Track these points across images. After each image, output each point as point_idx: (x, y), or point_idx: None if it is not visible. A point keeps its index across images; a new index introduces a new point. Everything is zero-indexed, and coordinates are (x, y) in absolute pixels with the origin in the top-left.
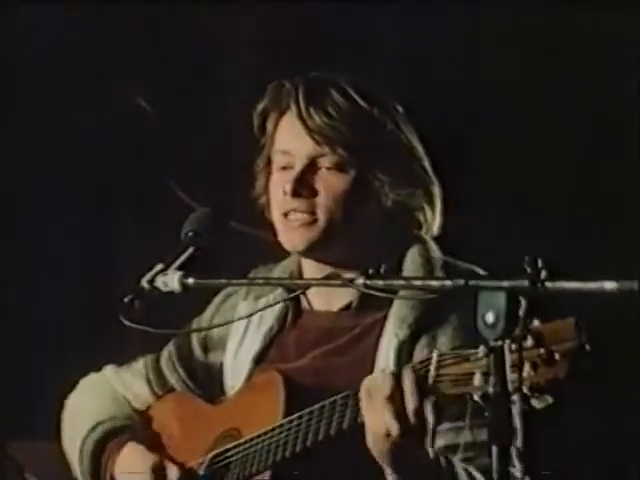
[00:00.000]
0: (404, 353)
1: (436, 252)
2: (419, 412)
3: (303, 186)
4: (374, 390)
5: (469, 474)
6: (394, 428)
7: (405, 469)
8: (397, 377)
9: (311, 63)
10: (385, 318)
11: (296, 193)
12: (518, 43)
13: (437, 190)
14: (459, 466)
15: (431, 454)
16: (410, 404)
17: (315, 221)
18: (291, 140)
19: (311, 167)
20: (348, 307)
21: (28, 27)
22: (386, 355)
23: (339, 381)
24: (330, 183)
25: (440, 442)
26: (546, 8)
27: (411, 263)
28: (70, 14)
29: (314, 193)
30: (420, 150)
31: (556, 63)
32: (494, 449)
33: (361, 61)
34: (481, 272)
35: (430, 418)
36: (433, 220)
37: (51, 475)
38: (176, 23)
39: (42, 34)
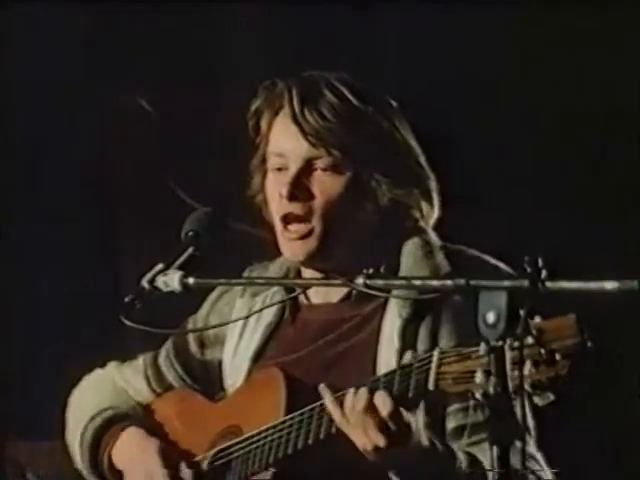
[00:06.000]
0: (409, 332)
1: (434, 239)
2: (399, 423)
3: (299, 189)
4: (349, 409)
5: (472, 457)
6: (380, 441)
7: (401, 465)
8: (371, 391)
9: (311, 63)
10: (385, 304)
11: (292, 197)
12: (518, 40)
13: (434, 185)
14: (460, 449)
15: (425, 442)
16: (391, 424)
17: (312, 230)
18: (285, 142)
19: (306, 169)
20: (347, 297)
21: (26, 26)
22: (390, 337)
23: (341, 370)
24: (326, 185)
25: (450, 424)
26: (546, 7)
27: (409, 255)
28: (70, 14)
29: (310, 196)
30: (415, 146)
31: (556, 62)
32: (495, 449)
33: (361, 61)
34: (476, 254)
35: (421, 418)
36: (431, 214)
37: (51, 475)
38: (176, 23)
39: (41, 34)
